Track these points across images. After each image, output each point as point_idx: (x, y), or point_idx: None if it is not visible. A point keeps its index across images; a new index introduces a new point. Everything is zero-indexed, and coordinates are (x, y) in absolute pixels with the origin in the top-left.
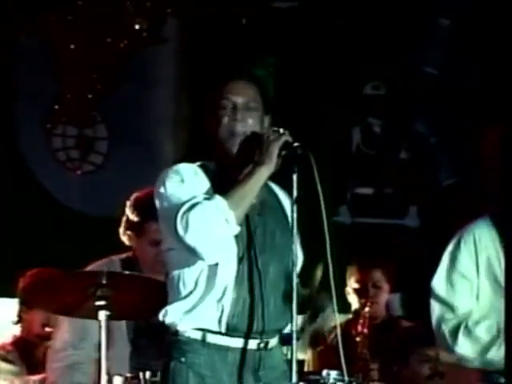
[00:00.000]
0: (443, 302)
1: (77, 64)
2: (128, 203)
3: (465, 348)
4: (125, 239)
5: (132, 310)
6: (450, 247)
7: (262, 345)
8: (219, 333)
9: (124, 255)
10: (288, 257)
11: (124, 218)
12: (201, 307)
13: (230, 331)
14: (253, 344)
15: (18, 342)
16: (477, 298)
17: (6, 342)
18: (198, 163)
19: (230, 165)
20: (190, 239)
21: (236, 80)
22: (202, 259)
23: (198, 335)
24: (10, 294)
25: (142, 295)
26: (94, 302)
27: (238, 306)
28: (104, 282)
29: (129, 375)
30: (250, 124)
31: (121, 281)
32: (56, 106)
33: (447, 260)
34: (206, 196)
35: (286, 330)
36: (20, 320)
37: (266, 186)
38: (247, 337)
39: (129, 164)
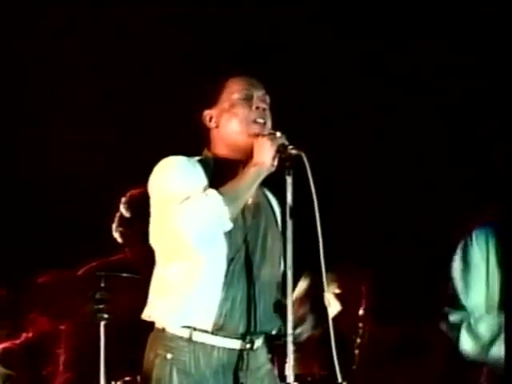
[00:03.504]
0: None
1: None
2: (123, 200)
3: (467, 345)
4: (117, 236)
5: (131, 312)
6: (462, 243)
7: (247, 345)
8: (206, 331)
9: (117, 257)
10: (278, 260)
11: (117, 215)
12: (188, 305)
13: (217, 330)
14: (239, 344)
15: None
16: (487, 291)
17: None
18: (197, 158)
19: (233, 158)
20: (184, 228)
21: (245, 75)
22: (192, 248)
23: (184, 333)
24: None
25: (141, 296)
26: (93, 306)
27: (227, 305)
28: (102, 285)
29: (127, 378)
30: (269, 118)
31: (119, 283)
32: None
33: (460, 255)
34: (203, 189)
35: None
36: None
37: (260, 189)
38: (234, 337)
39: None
